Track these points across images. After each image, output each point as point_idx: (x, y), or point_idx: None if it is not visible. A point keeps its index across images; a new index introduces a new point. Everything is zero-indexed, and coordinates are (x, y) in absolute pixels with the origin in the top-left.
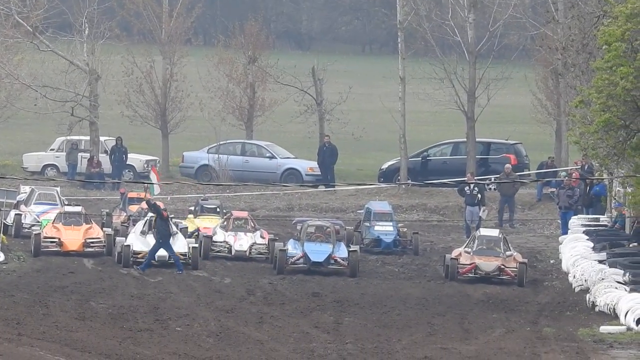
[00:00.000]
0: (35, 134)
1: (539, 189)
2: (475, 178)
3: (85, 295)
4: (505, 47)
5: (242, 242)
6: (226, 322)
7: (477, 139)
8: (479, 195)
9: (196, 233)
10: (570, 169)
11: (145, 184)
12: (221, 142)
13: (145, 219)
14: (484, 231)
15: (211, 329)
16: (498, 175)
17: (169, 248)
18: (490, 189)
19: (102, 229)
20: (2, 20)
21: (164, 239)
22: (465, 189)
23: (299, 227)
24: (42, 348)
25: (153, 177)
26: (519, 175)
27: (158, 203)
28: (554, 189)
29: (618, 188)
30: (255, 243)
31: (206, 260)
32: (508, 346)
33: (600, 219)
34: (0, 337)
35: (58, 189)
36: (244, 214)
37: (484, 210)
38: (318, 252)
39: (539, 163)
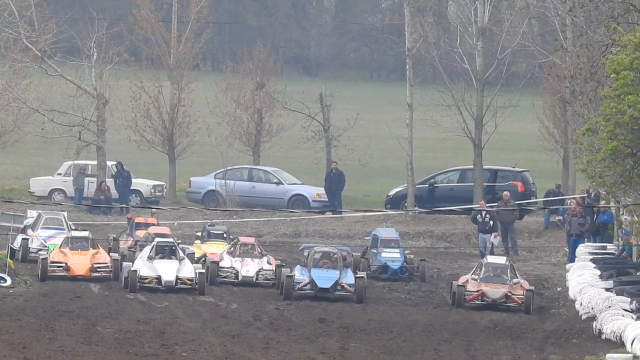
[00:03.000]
0: (42, 158)
1: (546, 216)
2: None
3: (92, 319)
4: (513, 74)
5: (249, 267)
6: (232, 347)
7: (484, 166)
8: (491, 222)
9: (203, 258)
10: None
11: (152, 209)
12: (228, 168)
13: (152, 244)
14: (491, 258)
15: (217, 354)
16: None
17: None
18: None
19: (109, 254)
20: (10, 45)
21: None
22: (477, 216)
23: (305, 253)
24: None
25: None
26: (526, 202)
27: (165, 229)
28: (560, 217)
29: (625, 216)
30: (262, 269)
31: (213, 285)
32: None
33: (607, 247)
34: None
35: (65, 213)
36: (251, 239)
37: (495, 237)
38: (325, 278)
39: (546, 191)
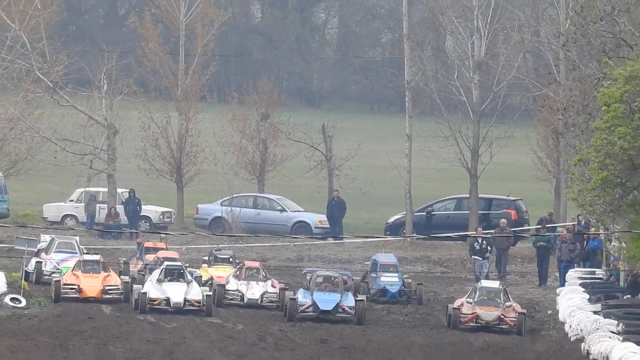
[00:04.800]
0: (54, 185)
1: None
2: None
3: (104, 339)
4: (508, 107)
5: (254, 290)
6: None
7: (479, 195)
8: (488, 248)
9: (210, 282)
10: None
11: (161, 234)
12: (234, 195)
13: (161, 267)
14: (485, 282)
15: None
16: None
17: None
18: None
19: (119, 277)
20: (23, 76)
21: None
22: (474, 244)
23: (308, 277)
24: None
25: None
26: (519, 229)
27: (173, 253)
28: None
29: (614, 243)
30: (266, 292)
31: (219, 307)
32: None
33: (596, 272)
34: None
35: (77, 238)
36: (256, 264)
37: (487, 258)
38: (327, 301)
39: (538, 218)
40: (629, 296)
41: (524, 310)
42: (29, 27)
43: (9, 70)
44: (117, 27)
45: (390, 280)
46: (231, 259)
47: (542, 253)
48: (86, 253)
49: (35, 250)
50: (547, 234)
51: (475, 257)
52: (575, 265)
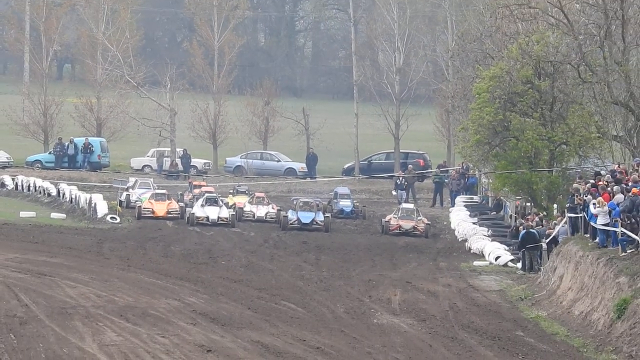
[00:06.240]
0: (138, 146)
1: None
2: (400, 173)
3: (168, 242)
4: (418, 95)
5: (261, 211)
6: (251, 258)
7: (400, 150)
8: (405, 183)
9: (233, 206)
10: (455, 169)
11: (203, 177)
12: (248, 152)
13: (203, 197)
14: (404, 205)
15: (242, 262)
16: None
17: None
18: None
19: (177, 203)
20: (118, 79)
21: None
22: (397, 181)
23: (294, 202)
24: (142, 274)
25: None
26: (425, 172)
27: (211, 188)
28: (446, 180)
29: (484, 179)
30: (269, 212)
31: (239, 222)
32: (419, 273)
33: (474, 198)
34: (116, 268)
35: (151, 179)
36: (262, 194)
37: (404, 190)
38: (306, 217)
39: (437, 164)
40: (494, 213)
41: (429, 222)
42: (122, 49)
43: (109, 76)
44: (176, 49)
45: (345, 204)
46: (247, 192)
47: (437, 186)
48: (157, 188)
49: (126, 187)
50: (441, 174)
51: (398, 189)
52: (461, 193)
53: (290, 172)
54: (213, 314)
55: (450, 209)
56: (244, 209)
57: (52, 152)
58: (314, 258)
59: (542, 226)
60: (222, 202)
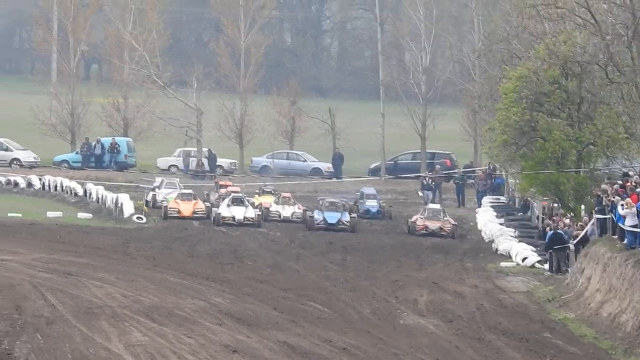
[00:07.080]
0: (164, 146)
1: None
2: (427, 173)
3: (194, 242)
4: (444, 95)
5: (287, 211)
6: (277, 258)
7: (427, 150)
8: (433, 184)
9: (260, 206)
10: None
11: (229, 176)
12: (275, 152)
13: (230, 196)
14: (430, 205)
15: (268, 263)
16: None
17: None
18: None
19: (204, 203)
20: (145, 79)
21: None
22: (423, 181)
23: (320, 202)
24: (168, 274)
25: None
26: (451, 172)
27: (237, 188)
28: (472, 180)
29: (511, 180)
30: (295, 212)
31: (265, 222)
32: (445, 274)
33: (501, 199)
34: (142, 267)
35: (178, 179)
36: (288, 194)
37: (431, 190)
38: (332, 217)
39: (464, 164)
40: (521, 214)
41: (456, 223)
42: (149, 49)
43: (137, 75)
44: (202, 49)
45: (371, 204)
46: (273, 192)
47: (458, 187)
48: (183, 188)
49: (152, 187)
50: (462, 175)
51: (425, 190)
52: (488, 194)
53: (317, 172)
54: (239, 314)
55: (476, 210)
56: (270, 209)
57: (79, 152)
58: (340, 258)
59: (571, 227)
60: (248, 202)
